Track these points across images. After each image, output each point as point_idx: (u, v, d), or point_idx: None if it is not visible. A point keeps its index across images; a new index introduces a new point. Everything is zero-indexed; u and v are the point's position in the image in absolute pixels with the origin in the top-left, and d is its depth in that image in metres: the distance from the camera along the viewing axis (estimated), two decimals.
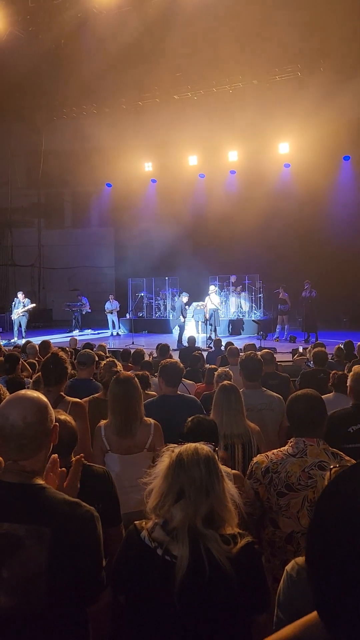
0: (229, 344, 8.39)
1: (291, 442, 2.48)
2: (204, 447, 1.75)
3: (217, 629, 1.60)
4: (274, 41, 14.91)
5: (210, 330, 15.16)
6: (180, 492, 1.66)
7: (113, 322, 17.69)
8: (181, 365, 4.18)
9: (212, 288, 15.98)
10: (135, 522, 1.77)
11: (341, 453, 2.46)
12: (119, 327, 17.93)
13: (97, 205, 22.11)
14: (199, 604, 1.58)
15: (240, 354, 5.98)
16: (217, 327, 15.36)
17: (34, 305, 16.11)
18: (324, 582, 0.73)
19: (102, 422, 3.23)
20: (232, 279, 17.79)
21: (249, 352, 4.52)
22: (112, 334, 17.49)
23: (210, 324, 15.27)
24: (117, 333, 17.65)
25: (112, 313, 17.61)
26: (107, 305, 17.62)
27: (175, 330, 16.59)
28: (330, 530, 0.74)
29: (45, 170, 21.33)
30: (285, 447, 2.50)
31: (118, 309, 17.75)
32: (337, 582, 0.71)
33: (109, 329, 17.73)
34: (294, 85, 17.06)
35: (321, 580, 0.74)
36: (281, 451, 2.49)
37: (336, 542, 0.72)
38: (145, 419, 3.24)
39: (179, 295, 16.00)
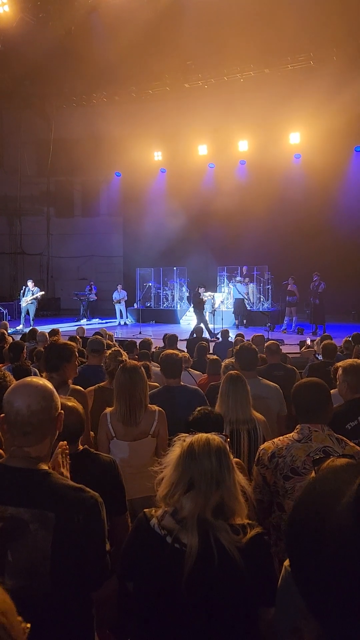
0: (238, 335, 8.37)
1: (297, 428, 2.55)
2: (215, 438, 1.73)
3: (224, 618, 1.60)
4: (286, 29, 14.70)
5: (241, 318, 15.60)
6: (191, 483, 1.65)
7: (120, 311, 17.73)
8: (180, 355, 4.16)
9: (239, 278, 16.34)
10: (145, 510, 1.77)
11: (345, 439, 2.50)
12: (127, 317, 17.96)
13: (106, 195, 22.08)
14: (207, 592, 1.58)
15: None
16: (242, 317, 15.68)
17: (43, 293, 16.18)
18: (308, 582, 0.73)
19: (108, 410, 3.27)
20: (244, 269, 17.72)
21: (243, 342, 4.50)
22: (119, 324, 17.52)
23: (242, 315, 15.63)
24: (125, 323, 17.68)
25: (119, 302, 17.65)
26: (115, 295, 17.66)
27: (184, 322, 16.63)
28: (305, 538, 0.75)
29: (54, 158, 21.27)
30: (292, 434, 2.56)
31: (126, 298, 17.78)
32: (320, 582, 0.70)
33: (116, 318, 17.77)
34: (306, 75, 16.82)
35: (305, 581, 0.74)
36: (287, 437, 2.56)
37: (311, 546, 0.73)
38: (150, 406, 3.28)
39: (198, 289, 15.13)
